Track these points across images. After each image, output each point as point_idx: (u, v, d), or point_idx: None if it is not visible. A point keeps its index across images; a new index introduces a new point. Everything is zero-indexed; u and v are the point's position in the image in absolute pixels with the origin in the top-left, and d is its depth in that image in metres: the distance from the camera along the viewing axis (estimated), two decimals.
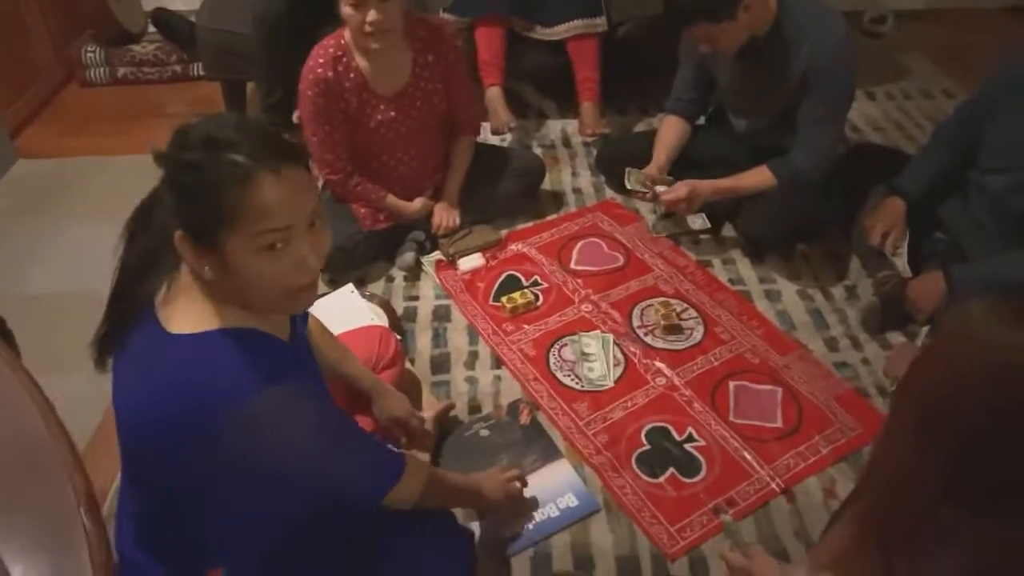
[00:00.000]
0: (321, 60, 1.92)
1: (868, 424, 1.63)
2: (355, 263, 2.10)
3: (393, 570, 1.11)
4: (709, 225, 2.12)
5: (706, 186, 2.05)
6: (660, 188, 2.10)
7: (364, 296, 1.98)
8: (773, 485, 1.51)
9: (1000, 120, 1.76)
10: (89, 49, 3.09)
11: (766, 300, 1.99)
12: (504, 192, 2.25)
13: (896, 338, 1.85)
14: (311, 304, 1.01)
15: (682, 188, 2.03)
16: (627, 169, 2.17)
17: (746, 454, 1.58)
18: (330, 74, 1.92)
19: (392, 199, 2.11)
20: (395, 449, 1.16)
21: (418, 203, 2.14)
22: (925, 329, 1.83)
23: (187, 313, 0.91)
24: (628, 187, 2.17)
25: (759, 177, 2.02)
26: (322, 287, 2.10)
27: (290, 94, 2.18)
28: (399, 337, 1.73)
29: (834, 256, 2.12)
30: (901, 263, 1.90)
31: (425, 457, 1.51)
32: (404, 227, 2.18)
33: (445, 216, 2.15)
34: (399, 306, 2.01)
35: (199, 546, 0.99)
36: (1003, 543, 0.60)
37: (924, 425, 0.64)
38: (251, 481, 0.93)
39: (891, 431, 0.69)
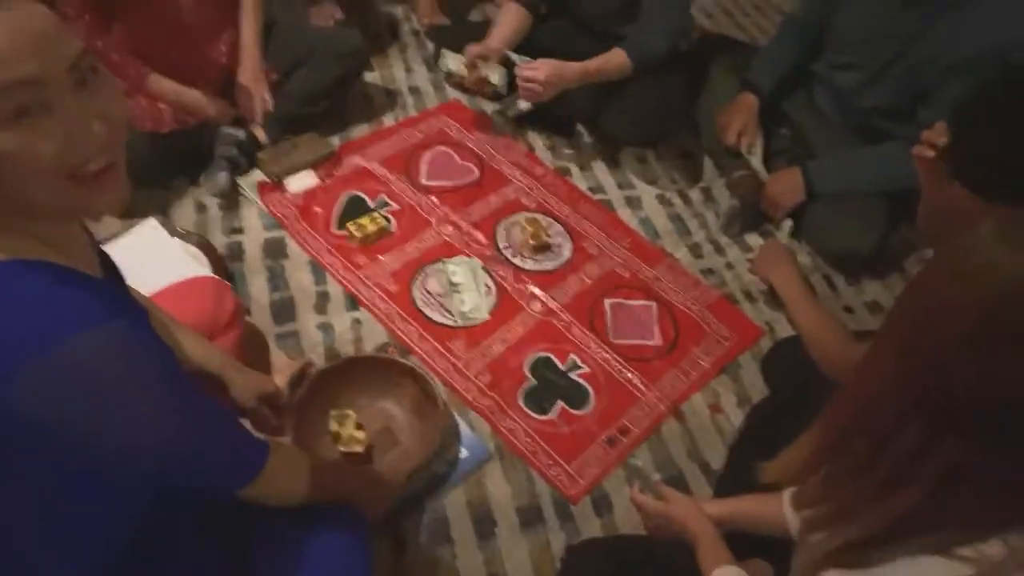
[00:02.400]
0: None
1: (740, 331, 1.64)
2: (146, 177, 1.66)
3: (277, 554, 0.91)
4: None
5: (574, 68, 1.82)
6: (492, 74, 1.88)
7: (176, 235, 1.62)
8: (662, 407, 1.48)
9: (848, 12, 1.74)
10: None
11: (628, 208, 1.91)
12: (320, 79, 1.88)
13: (754, 240, 1.87)
14: (119, 202, 0.71)
15: (543, 67, 1.80)
16: (443, 49, 1.91)
17: (631, 375, 1.52)
18: None
19: (161, 80, 1.65)
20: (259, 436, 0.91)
21: (211, 102, 1.72)
22: (788, 224, 1.85)
23: None
24: (443, 69, 1.93)
25: (615, 59, 1.86)
26: (114, 223, 1.70)
27: None
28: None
29: (685, 154, 2.08)
30: (756, 162, 1.89)
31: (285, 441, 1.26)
32: (208, 131, 1.77)
33: (252, 94, 1.73)
34: (219, 243, 1.67)
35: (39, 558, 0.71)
36: (962, 464, 0.60)
37: (908, 345, 0.64)
38: (68, 472, 0.66)
39: (876, 350, 0.68)
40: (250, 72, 1.74)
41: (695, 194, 1.99)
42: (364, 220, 1.70)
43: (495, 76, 1.88)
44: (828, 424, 0.71)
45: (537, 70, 1.80)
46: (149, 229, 1.63)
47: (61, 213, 0.67)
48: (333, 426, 1.30)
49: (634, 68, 1.86)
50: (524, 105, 1.94)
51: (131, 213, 1.70)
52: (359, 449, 1.28)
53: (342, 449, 1.29)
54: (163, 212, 1.71)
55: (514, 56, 1.88)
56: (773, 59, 1.92)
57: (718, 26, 2.64)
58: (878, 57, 1.65)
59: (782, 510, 0.92)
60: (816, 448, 0.72)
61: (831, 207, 1.76)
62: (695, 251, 1.83)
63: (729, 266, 1.80)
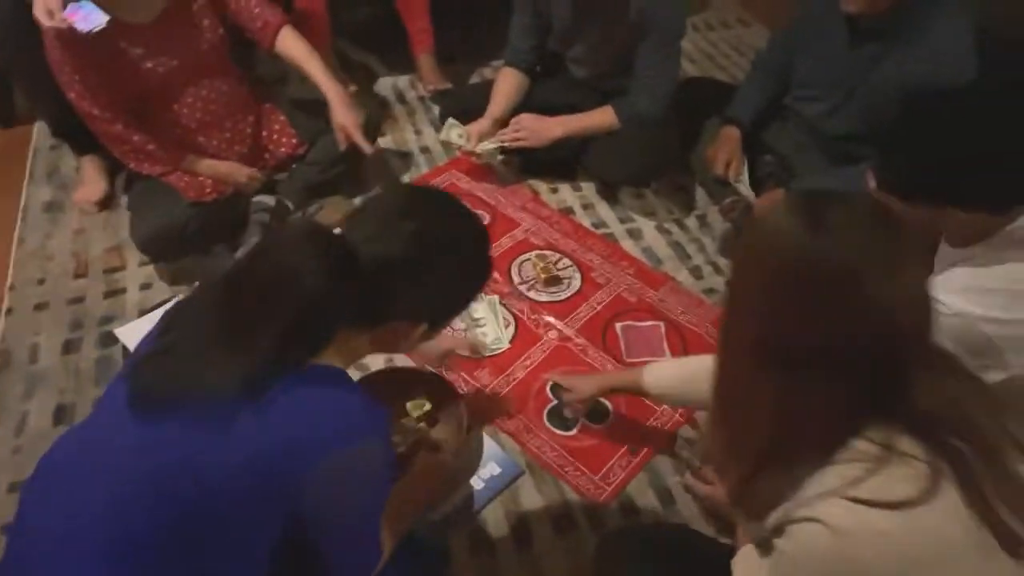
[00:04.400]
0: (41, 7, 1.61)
1: None
2: (186, 246, 1.87)
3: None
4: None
5: (552, 122, 2.05)
6: (486, 146, 2.08)
7: None
8: (677, 415, 1.60)
9: (807, 51, 1.92)
10: None
11: (630, 239, 2.07)
12: (338, 146, 1.99)
13: None
14: None
15: (527, 117, 2.02)
16: (449, 119, 2.11)
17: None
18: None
19: (197, 160, 1.87)
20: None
21: (242, 169, 1.92)
22: None
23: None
24: (441, 138, 2.12)
25: (603, 117, 2.06)
26: (163, 287, 1.88)
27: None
28: None
29: (679, 188, 2.24)
30: (744, 188, 2.05)
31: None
32: (243, 201, 1.97)
33: (351, 131, 1.87)
34: None
35: None
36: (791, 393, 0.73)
37: (730, 297, 0.80)
38: (280, 527, 0.82)
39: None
40: (339, 112, 1.88)
41: (691, 221, 2.14)
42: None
43: (491, 151, 2.09)
44: (713, 398, 0.85)
45: (519, 127, 2.02)
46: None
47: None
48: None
49: (623, 127, 2.05)
50: (453, 136, 2.11)
51: (178, 281, 1.88)
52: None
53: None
54: (207, 278, 1.88)
55: (484, 145, 2.09)
56: (749, 95, 2.10)
57: (701, 70, 2.83)
58: (836, 91, 1.84)
59: None
60: (710, 422, 0.88)
61: None
62: (695, 273, 1.97)
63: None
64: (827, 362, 0.70)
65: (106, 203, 2.12)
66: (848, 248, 0.69)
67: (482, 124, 2.08)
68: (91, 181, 2.13)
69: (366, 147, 1.91)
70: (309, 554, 0.87)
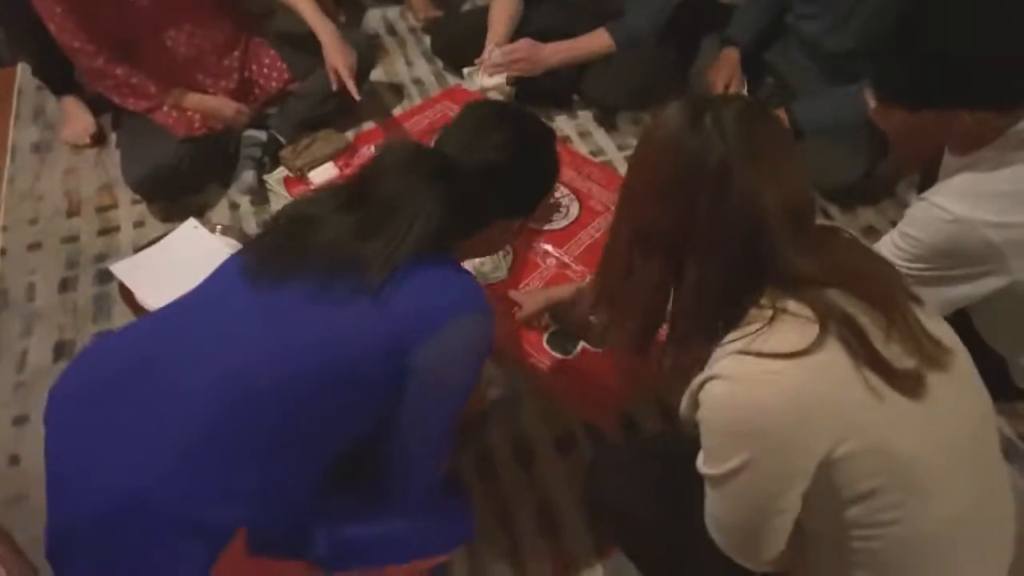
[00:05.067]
0: None
1: None
2: (183, 183, 1.85)
3: (411, 517, 1.03)
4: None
5: (548, 49, 2.00)
6: (493, 80, 2.01)
7: (215, 231, 1.76)
8: None
9: None
10: None
11: None
12: (330, 80, 1.95)
13: None
14: None
15: (523, 44, 1.97)
16: (464, 69, 2.05)
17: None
18: None
19: (184, 94, 1.83)
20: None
21: (231, 104, 1.88)
22: None
23: None
24: (478, 87, 2.04)
25: (598, 40, 2.01)
26: (156, 224, 1.86)
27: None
28: None
29: None
30: None
31: None
32: (232, 137, 1.93)
33: (342, 70, 1.82)
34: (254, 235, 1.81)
35: (242, 485, 0.84)
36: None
37: (623, 191, 0.88)
38: (389, 400, 0.91)
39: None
40: (332, 51, 1.83)
41: None
42: None
43: (499, 84, 2.02)
44: (596, 280, 0.97)
45: (516, 48, 1.96)
46: (190, 229, 1.78)
47: None
48: None
49: (619, 49, 1.99)
50: (488, 82, 2.04)
51: (170, 218, 1.86)
52: None
53: None
54: (200, 214, 1.86)
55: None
56: (749, 15, 2.04)
57: None
58: (837, 6, 1.78)
59: None
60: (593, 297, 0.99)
61: (818, 143, 1.86)
62: None
63: None
64: (704, 244, 0.79)
65: (97, 138, 2.08)
66: (719, 144, 0.77)
67: (493, 55, 2.02)
68: (75, 118, 2.09)
69: (356, 93, 1.87)
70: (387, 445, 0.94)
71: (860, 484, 0.76)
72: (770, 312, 0.77)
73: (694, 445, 0.84)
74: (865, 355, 0.75)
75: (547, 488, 1.37)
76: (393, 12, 2.55)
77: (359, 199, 0.93)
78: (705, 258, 0.80)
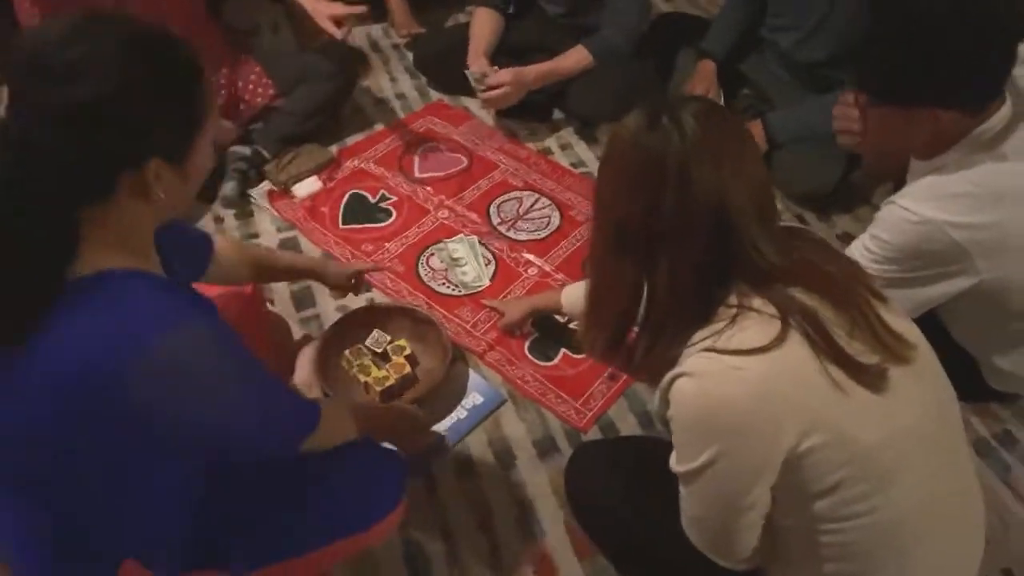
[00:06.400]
0: None
1: None
2: None
3: (322, 495, 1.01)
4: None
5: (529, 72, 2.04)
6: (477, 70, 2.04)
7: None
8: None
9: None
10: None
11: None
12: (315, 97, 2.03)
13: None
14: None
15: (505, 75, 2.00)
16: (465, 72, 2.08)
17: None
18: None
19: None
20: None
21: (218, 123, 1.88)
22: None
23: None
24: (477, 83, 2.04)
25: (576, 57, 2.05)
26: None
27: None
28: None
29: None
30: None
31: None
32: (216, 153, 1.94)
33: (318, 16, 1.85)
34: None
35: (109, 538, 0.85)
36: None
37: (594, 194, 0.89)
38: (163, 442, 0.79)
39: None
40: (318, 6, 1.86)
41: None
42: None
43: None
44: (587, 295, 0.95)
45: (500, 78, 1.98)
46: None
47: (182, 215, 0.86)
48: (365, 361, 1.50)
49: (597, 63, 2.03)
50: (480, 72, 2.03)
51: None
52: (392, 383, 1.45)
53: (377, 388, 1.45)
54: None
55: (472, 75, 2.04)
56: (724, 27, 2.09)
57: (674, 6, 2.80)
58: (810, 17, 1.84)
59: None
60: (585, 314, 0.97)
61: (793, 153, 1.91)
62: None
63: None
64: (672, 241, 0.81)
65: None
66: (678, 142, 0.78)
67: (481, 63, 2.05)
68: None
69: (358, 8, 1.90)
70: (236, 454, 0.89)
71: (827, 477, 0.78)
72: (736, 310, 0.79)
73: (669, 447, 0.85)
74: (828, 350, 0.77)
75: (527, 492, 1.38)
76: (376, 29, 2.59)
77: None
78: (675, 255, 0.81)
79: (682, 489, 0.86)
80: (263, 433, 0.90)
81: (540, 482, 1.39)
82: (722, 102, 2.05)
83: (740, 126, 0.85)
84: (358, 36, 2.57)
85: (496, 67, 2.06)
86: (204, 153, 0.83)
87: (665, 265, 0.82)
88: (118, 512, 0.83)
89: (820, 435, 0.76)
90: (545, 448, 1.45)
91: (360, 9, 1.94)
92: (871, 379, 0.78)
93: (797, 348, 0.77)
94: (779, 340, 0.76)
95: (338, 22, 1.88)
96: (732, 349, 0.77)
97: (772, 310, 0.78)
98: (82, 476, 0.78)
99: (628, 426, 1.48)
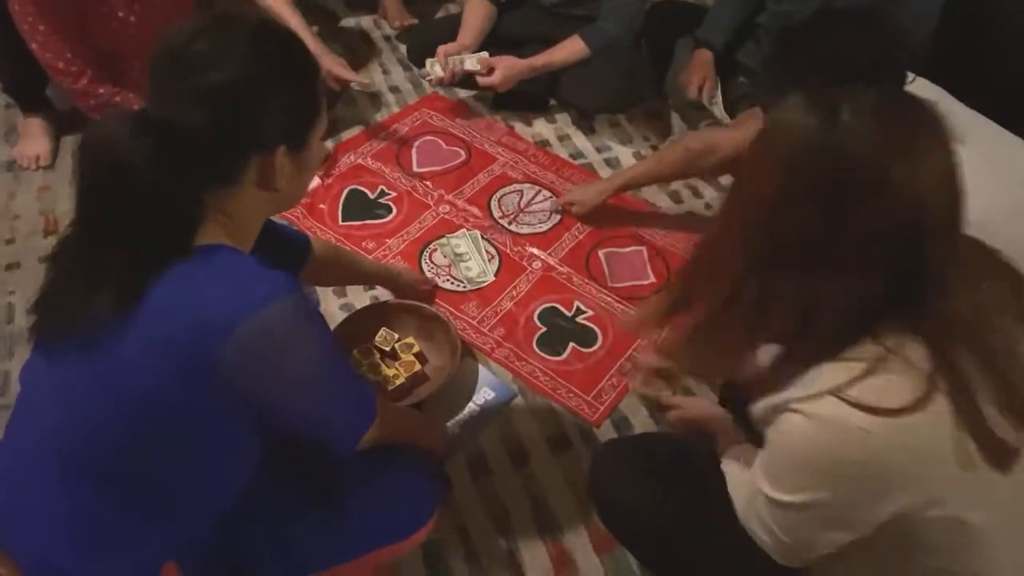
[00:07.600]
0: None
1: None
2: None
3: (365, 500, 1.00)
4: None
5: (522, 65, 2.02)
6: (468, 64, 2.01)
7: None
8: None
9: None
10: None
11: (608, 168, 2.06)
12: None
13: (727, 179, 2.02)
14: None
15: (498, 73, 1.99)
16: (427, 60, 2.05)
17: (632, 313, 1.66)
18: None
19: None
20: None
21: None
22: None
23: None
24: (431, 75, 2.04)
25: (572, 48, 2.03)
26: None
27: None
28: None
29: (654, 114, 2.23)
30: (719, 111, 2.05)
31: None
32: None
33: (331, 74, 1.94)
34: None
35: (151, 536, 0.84)
36: (800, 294, 0.72)
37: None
38: (241, 414, 0.81)
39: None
40: (324, 59, 1.91)
41: None
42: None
43: (469, 63, 2.03)
44: (679, 284, 0.86)
45: (494, 78, 1.97)
46: None
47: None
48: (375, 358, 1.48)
49: (594, 53, 2.02)
50: (438, 71, 2.03)
51: None
52: (402, 382, 1.43)
53: (387, 386, 1.43)
54: None
55: (467, 63, 2.02)
56: (722, 15, 2.08)
57: None
58: (811, 3, 1.82)
59: None
60: (666, 304, 0.86)
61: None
62: (674, 197, 1.98)
63: (708, 206, 1.95)
64: (844, 258, 0.68)
65: (51, 161, 2.04)
66: (867, 138, 0.66)
67: (448, 47, 2.03)
68: (34, 141, 2.03)
69: (364, 79, 2.00)
70: (298, 433, 0.88)
71: (926, 541, 0.75)
72: (884, 352, 0.70)
73: (697, 447, 0.82)
74: (967, 421, 0.69)
75: (542, 488, 1.38)
76: (367, 21, 2.55)
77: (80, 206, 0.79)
78: (838, 275, 0.69)
79: (763, 502, 0.81)
80: (335, 410, 0.91)
81: (554, 478, 1.39)
82: (719, 92, 2.05)
83: (935, 117, 0.70)
84: (349, 27, 2.53)
85: (487, 52, 2.03)
86: (318, 147, 0.91)
87: (824, 284, 0.69)
88: (181, 485, 0.84)
89: (931, 511, 0.72)
90: (558, 444, 1.45)
91: (364, 82, 2.00)
92: (1003, 458, 0.71)
93: (936, 416, 0.69)
94: (920, 404, 0.68)
95: (340, 81, 1.95)
96: (865, 405, 0.68)
97: (925, 365, 0.69)
98: (173, 440, 0.79)
99: (640, 420, 1.48)
